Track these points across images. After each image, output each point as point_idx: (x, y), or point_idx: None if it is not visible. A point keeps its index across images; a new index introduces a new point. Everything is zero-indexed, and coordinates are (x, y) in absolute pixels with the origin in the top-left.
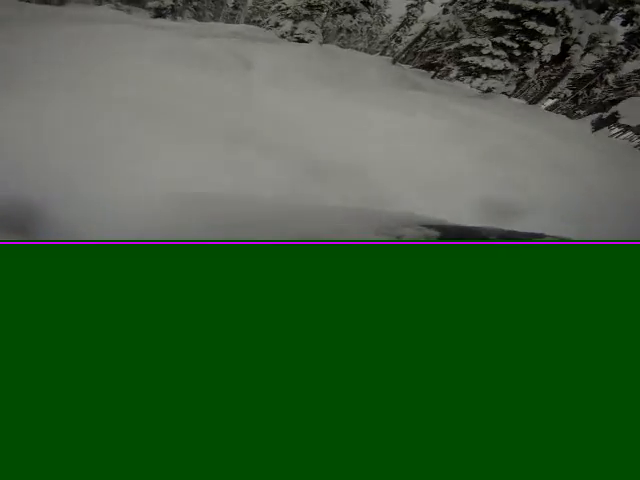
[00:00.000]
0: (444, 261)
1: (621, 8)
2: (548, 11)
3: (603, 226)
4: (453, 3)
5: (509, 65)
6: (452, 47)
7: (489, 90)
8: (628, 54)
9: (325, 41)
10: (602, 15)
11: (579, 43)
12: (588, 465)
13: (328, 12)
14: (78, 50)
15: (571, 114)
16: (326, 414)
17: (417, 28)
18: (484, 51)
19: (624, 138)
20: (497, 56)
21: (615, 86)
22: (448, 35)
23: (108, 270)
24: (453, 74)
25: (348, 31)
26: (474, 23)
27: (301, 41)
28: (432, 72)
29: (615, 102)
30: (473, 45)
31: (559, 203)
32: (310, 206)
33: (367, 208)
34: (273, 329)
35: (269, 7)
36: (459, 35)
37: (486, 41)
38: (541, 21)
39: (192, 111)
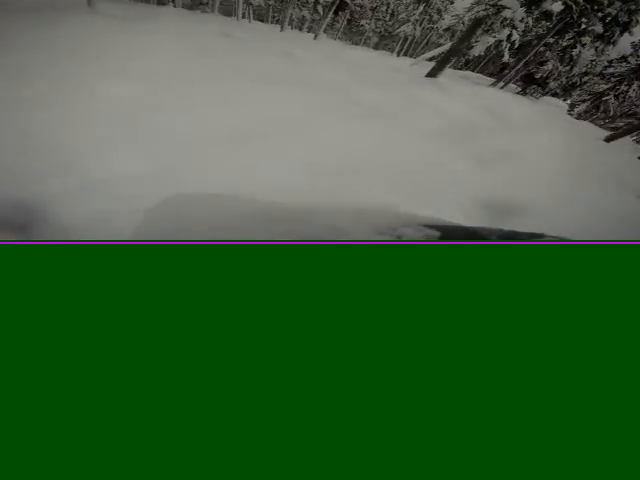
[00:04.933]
0: (444, 261)
1: None
2: None
3: None
4: None
5: None
6: None
7: None
8: None
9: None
10: None
11: None
12: (586, 465)
13: None
14: None
15: None
16: (325, 415)
17: None
18: None
19: None
20: None
21: None
22: None
23: (108, 270)
24: None
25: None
26: None
27: None
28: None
29: None
30: None
31: None
32: (310, 206)
33: (367, 208)
34: (273, 329)
35: None
36: None
37: None
38: None
39: None
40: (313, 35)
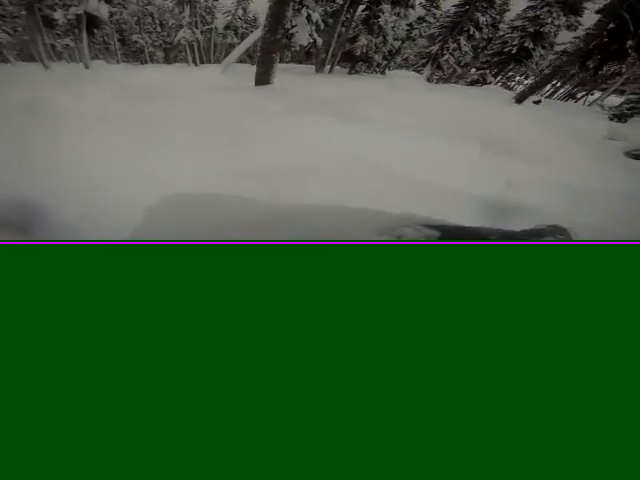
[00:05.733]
0: (444, 261)
1: None
2: None
3: None
4: None
5: None
6: None
7: None
8: None
9: None
10: None
11: None
12: (586, 466)
13: None
14: None
15: None
16: (325, 415)
17: None
18: None
19: None
20: None
21: None
22: None
23: (108, 270)
24: None
25: None
26: None
27: None
28: None
29: None
30: None
31: None
32: (310, 206)
33: (367, 208)
34: (274, 329)
35: None
36: None
37: None
38: None
39: None
40: (84, 65)
